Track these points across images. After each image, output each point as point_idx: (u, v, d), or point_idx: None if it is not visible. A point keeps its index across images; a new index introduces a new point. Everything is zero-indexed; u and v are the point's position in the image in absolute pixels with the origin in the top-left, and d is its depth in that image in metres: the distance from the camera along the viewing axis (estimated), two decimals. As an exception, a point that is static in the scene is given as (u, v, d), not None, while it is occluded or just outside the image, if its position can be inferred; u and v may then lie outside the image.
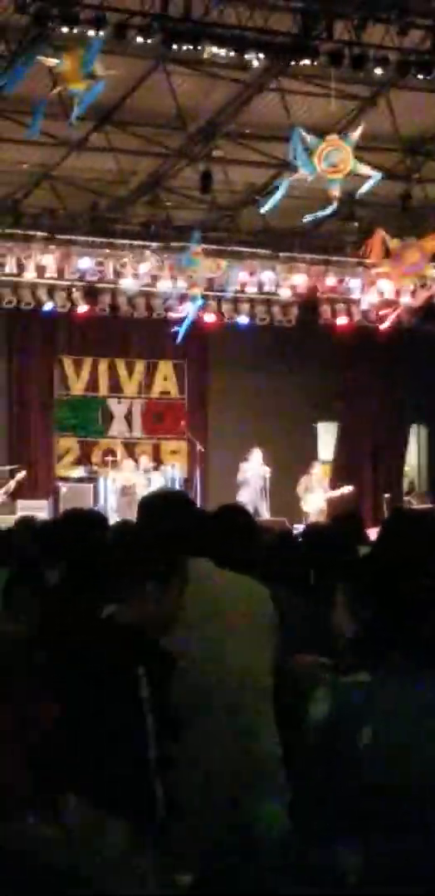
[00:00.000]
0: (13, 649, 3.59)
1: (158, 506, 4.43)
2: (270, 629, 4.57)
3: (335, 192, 17.86)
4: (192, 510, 4.63)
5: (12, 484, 21.40)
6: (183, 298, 21.85)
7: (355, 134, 17.84)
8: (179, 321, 21.74)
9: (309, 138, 17.36)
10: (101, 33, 15.80)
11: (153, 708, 3.59)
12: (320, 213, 18.65)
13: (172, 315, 22.08)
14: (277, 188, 18.19)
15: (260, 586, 4.61)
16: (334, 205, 18.07)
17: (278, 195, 17.77)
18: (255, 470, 21.78)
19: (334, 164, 17.32)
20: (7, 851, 2.66)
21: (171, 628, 3.96)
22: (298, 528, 17.62)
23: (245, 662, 4.16)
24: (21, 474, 21.60)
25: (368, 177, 18.10)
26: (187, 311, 21.35)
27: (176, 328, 21.50)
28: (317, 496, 22.02)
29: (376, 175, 18.17)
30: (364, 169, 18.03)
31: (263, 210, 18.54)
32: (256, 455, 21.91)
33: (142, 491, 20.64)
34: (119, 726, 3.60)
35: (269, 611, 4.63)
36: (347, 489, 22.29)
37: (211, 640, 4.06)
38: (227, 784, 3.94)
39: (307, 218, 18.74)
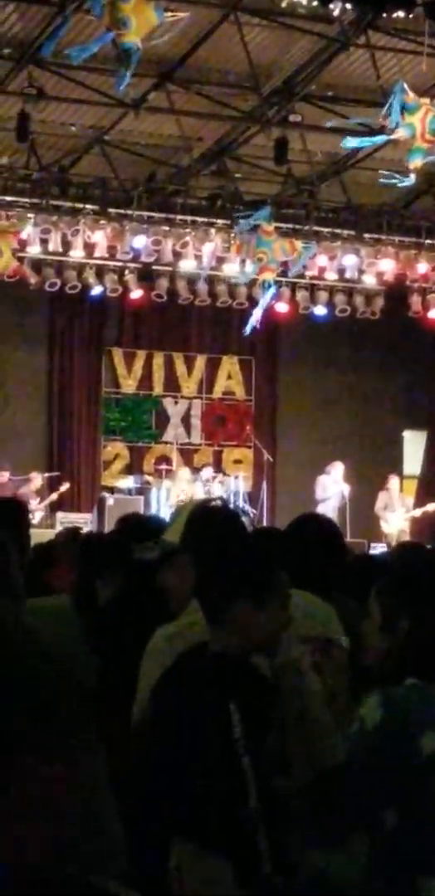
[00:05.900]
0: None
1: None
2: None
3: (417, 163, 17.77)
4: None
5: (54, 496, 21.51)
6: (252, 284, 21.80)
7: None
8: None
9: (412, 97, 17.13)
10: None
11: (249, 749, 3.63)
12: (398, 182, 18.46)
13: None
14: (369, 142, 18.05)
15: (323, 603, 4.82)
16: (412, 178, 17.96)
17: None
18: (335, 486, 21.70)
19: None
20: None
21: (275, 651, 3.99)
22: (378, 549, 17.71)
23: None
24: (64, 486, 21.71)
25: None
26: (258, 298, 21.23)
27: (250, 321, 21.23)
28: (397, 515, 21.96)
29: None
30: None
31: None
32: (338, 469, 21.79)
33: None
34: (215, 773, 3.66)
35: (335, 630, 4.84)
36: (433, 507, 22.15)
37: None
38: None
39: (383, 181, 18.62)
